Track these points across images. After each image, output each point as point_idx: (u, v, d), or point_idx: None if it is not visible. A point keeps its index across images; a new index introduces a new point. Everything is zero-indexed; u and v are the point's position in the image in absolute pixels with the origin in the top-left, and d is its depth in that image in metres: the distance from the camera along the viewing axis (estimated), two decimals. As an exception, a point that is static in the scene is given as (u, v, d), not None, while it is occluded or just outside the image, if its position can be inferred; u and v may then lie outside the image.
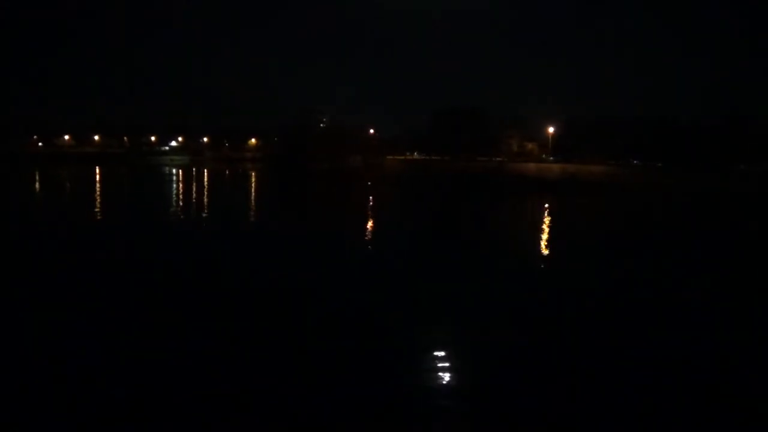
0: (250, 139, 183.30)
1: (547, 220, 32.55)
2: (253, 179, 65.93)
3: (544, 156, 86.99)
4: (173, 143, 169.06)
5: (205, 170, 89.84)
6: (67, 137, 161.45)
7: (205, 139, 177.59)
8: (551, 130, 77.22)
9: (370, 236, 24.40)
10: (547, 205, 40.01)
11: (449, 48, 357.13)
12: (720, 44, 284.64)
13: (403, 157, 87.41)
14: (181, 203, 38.32)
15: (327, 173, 65.33)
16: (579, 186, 51.23)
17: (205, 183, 60.53)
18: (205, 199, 41.43)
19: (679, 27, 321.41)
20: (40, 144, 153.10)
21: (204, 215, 31.49)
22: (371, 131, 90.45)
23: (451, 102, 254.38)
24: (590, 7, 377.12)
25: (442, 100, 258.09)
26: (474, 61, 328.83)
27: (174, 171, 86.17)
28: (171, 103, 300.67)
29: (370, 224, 28.62)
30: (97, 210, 33.08)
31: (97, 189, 50.38)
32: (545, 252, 21.21)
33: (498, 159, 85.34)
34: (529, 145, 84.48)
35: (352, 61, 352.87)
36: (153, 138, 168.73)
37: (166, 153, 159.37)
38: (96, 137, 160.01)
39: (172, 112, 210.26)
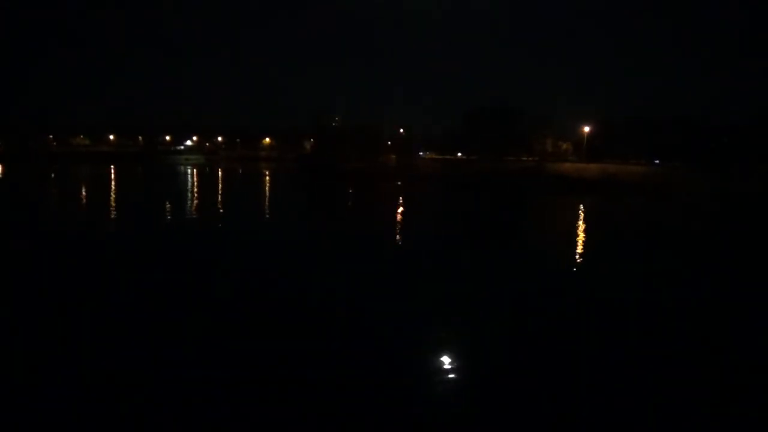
0: (264, 139, 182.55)
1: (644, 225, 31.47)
2: (294, 183, 63.74)
3: (570, 157, 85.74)
4: (188, 142, 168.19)
5: (228, 171, 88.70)
6: (81, 136, 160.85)
7: (220, 139, 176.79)
8: (586, 129, 76.03)
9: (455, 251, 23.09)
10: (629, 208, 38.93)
11: (452, 48, 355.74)
12: (736, 43, 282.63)
13: (433, 157, 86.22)
14: (234, 209, 37.26)
15: (364, 174, 63.70)
16: (643, 189, 50.19)
17: (249, 187, 59.36)
18: (266, 207, 40.26)
19: (696, 25, 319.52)
20: (54, 143, 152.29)
21: (275, 223, 30.31)
22: (400, 130, 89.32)
23: (456, 102, 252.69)
24: (595, 7, 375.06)
25: (445, 101, 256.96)
26: (478, 61, 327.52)
27: (205, 172, 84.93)
28: (182, 103, 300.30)
29: (446, 235, 27.48)
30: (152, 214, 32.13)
31: (137, 191, 49.43)
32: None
33: (525, 159, 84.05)
34: (564, 145, 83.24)
35: (357, 61, 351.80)
36: (168, 137, 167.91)
37: (180, 152, 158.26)
38: (111, 137, 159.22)
39: (184, 112, 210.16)
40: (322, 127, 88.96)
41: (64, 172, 76.25)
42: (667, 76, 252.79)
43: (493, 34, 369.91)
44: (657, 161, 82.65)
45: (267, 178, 70.56)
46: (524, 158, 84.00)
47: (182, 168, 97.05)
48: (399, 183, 56.24)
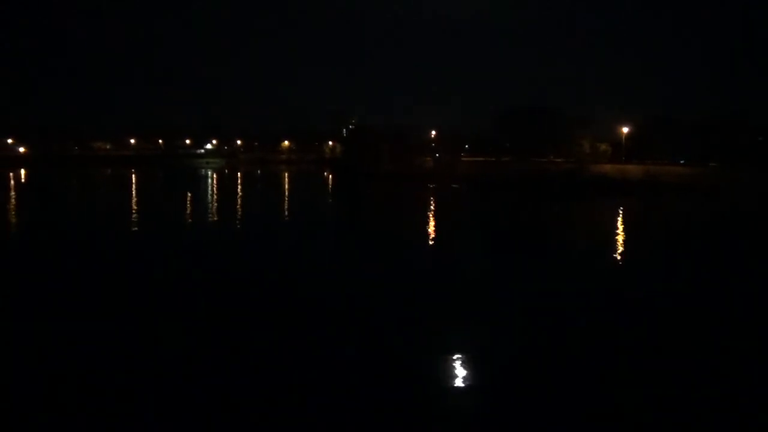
0: (282, 141, 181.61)
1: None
2: (346, 187, 60.75)
3: (598, 159, 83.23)
4: (208, 146, 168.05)
5: (261, 174, 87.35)
6: (102, 141, 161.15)
7: (239, 142, 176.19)
8: (625, 130, 73.84)
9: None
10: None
11: (475, 51, 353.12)
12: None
13: (470, 159, 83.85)
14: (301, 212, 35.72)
15: (409, 177, 61.12)
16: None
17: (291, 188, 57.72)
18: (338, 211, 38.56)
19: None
20: (76, 147, 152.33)
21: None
22: (433, 132, 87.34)
23: (482, 104, 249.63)
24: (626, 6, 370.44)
25: (469, 103, 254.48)
26: (504, 63, 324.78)
27: (233, 175, 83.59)
28: (201, 107, 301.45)
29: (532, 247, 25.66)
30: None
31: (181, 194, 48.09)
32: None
33: (557, 160, 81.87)
34: (602, 146, 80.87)
35: (378, 64, 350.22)
36: (187, 141, 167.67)
37: (201, 156, 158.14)
38: (132, 140, 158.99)
39: (202, 116, 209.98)
40: (358, 128, 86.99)
41: (91, 175, 75.45)
42: (702, 76, 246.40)
43: (521, 35, 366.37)
44: (682, 161, 79.74)
45: (308, 182, 69.03)
46: (556, 159, 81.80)
47: (204, 171, 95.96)
48: (451, 186, 54.36)
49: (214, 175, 79.30)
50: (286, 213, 35.27)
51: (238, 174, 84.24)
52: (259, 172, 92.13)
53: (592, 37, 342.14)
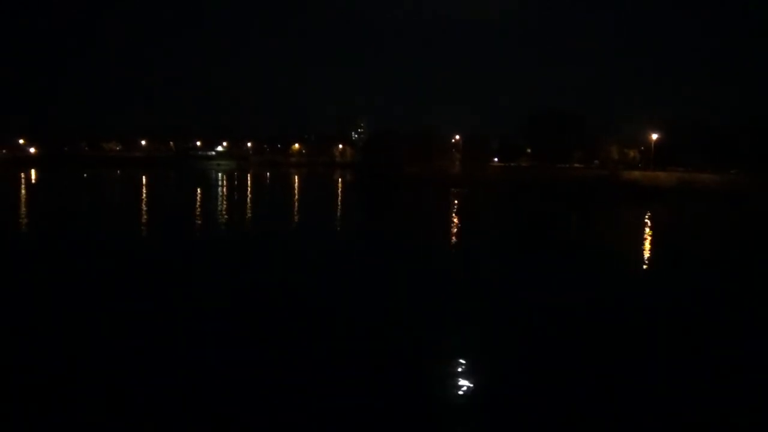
0: (293, 144, 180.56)
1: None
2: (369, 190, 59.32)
3: (619, 165, 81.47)
4: (219, 148, 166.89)
5: (281, 177, 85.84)
6: (113, 142, 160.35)
7: (249, 144, 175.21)
8: (654, 137, 72.13)
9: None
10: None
11: (490, 55, 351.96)
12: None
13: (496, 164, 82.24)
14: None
15: (430, 180, 59.90)
16: None
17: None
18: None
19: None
20: (86, 148, 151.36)
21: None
22: (456, 136, 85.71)
23: (502, 108, 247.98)
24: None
25: (487, 108, 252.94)
26: (522, 68, 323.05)
27: (256, 178, 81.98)
28: (212, 109, 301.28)
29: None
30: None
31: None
32: None
33: (577, 165, 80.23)
34: (631, 153, 79.11)
35: (398, 69, 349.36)
36: (198, 143, 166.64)
37: (212, 158, 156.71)
38: (143, 142, 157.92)
39: (213, 118, 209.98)
40: (380, 131, 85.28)
41: (106, 177, 74.12)
42: (728, 80, 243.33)
43: (521, 36, 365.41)
44: (712, 168, 77.80)
45: (334, 186, 67.32)
46: (576, 165, 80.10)
47: (220, 174, 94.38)
48: (478, 191, 52.83)
49: (233, 179, 77.75)
50: (331, 219, 33.89)
51: (251, 176, 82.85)
52: (277, 175, 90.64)
53: (596, 39, 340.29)
